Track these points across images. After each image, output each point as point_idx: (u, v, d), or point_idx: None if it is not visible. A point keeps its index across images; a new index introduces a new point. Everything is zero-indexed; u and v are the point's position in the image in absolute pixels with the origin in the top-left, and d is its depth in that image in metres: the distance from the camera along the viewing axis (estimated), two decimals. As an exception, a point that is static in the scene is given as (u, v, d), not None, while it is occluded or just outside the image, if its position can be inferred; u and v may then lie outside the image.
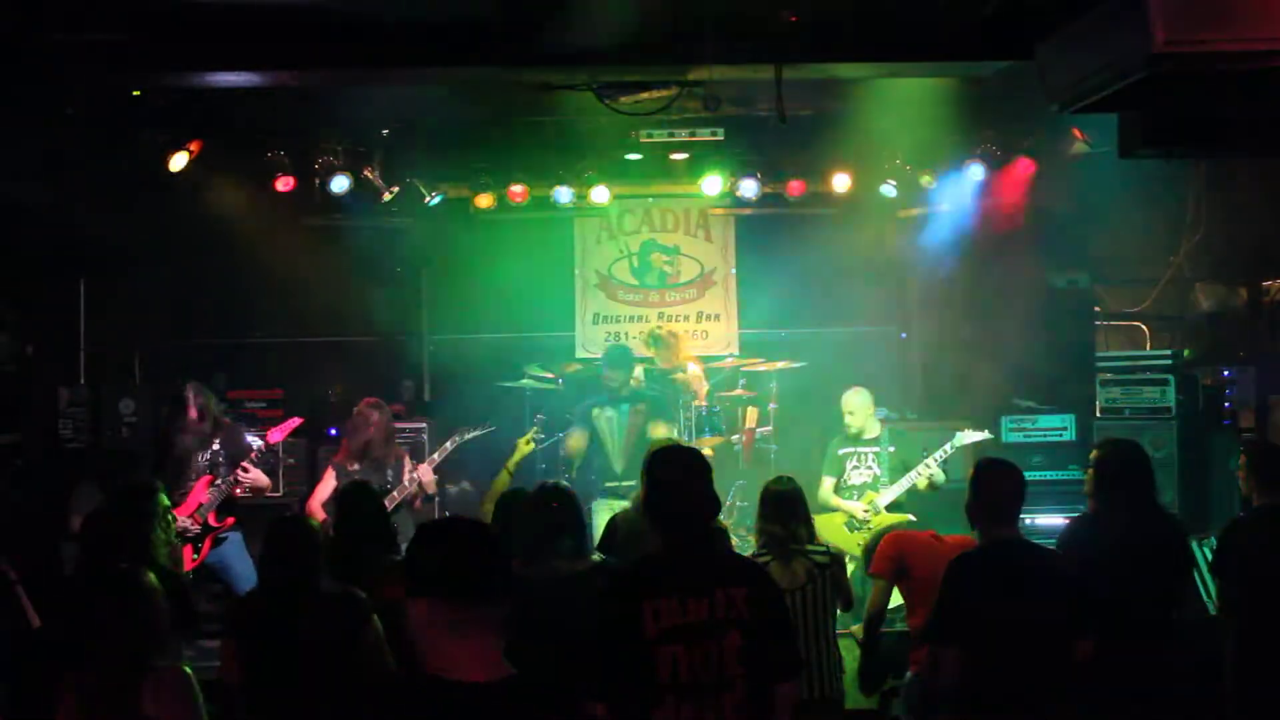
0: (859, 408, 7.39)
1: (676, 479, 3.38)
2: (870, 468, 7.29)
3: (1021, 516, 7.62)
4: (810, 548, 4.82)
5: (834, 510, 7.27)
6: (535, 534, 4.27)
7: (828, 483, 7.36)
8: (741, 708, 3.22)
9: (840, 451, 7.42)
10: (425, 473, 6.74)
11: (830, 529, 7.02)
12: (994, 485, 4.06)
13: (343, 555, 4.82)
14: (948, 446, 7.15)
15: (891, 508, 7.10)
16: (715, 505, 3.42)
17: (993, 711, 3.88)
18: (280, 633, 3.99)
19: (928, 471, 7.07)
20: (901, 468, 7.19)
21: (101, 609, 3.38)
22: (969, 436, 7.24)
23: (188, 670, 3.43)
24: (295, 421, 6.90)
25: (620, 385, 7.51)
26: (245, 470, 6.46)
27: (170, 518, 4.90)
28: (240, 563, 6.50)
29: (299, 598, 4.09)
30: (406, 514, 6.61)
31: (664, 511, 3.37)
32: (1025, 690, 3.85)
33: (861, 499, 7.21)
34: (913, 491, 7.15)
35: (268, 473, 6.79)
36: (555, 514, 4.29)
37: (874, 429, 7.41)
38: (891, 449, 7.28)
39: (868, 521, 7.05)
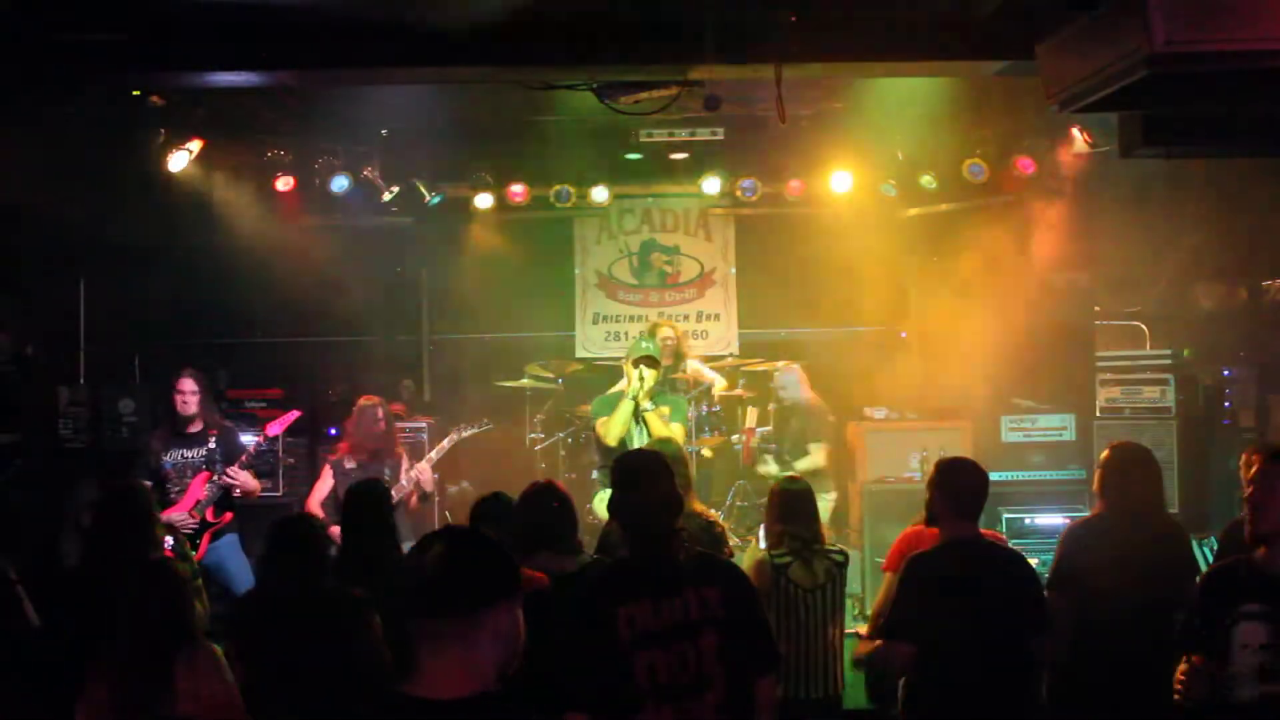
0: None
1: (634, 483, 3.41)
2: None
3: (1021, 516, 7.70)
4: (827, 547, 4.83)
5: None
6: (528, 532, 4.25)
7: None
8: (723, 706, 3.23)
9: None
10: (424, 471, 6.73)
11: None
12: (957, 482, 4.07)
13: (350, 553, 4.84)
14: None
15: None
16: (676, 506, 3.43)
17: (945, 708, 3.90)
18: (283, 632, 3.99)
19: None
20: None
21: (136, 591, 3.57)
22: None
23: (216, 648, 3.64)
24: (294, 414, 6.93)
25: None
26: (235, 473, 6.48)
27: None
28: (235, 562, 6.53)
29: (302, 597, 4.09)
30: (403, 513, 6.60)
31: (625, 515, 3.41)
32: (978, 687, 3.87)
33: None
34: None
35: (267, 473, 6.82)
36: (550, 514, 4.26)
37: None
38: None
39: None
